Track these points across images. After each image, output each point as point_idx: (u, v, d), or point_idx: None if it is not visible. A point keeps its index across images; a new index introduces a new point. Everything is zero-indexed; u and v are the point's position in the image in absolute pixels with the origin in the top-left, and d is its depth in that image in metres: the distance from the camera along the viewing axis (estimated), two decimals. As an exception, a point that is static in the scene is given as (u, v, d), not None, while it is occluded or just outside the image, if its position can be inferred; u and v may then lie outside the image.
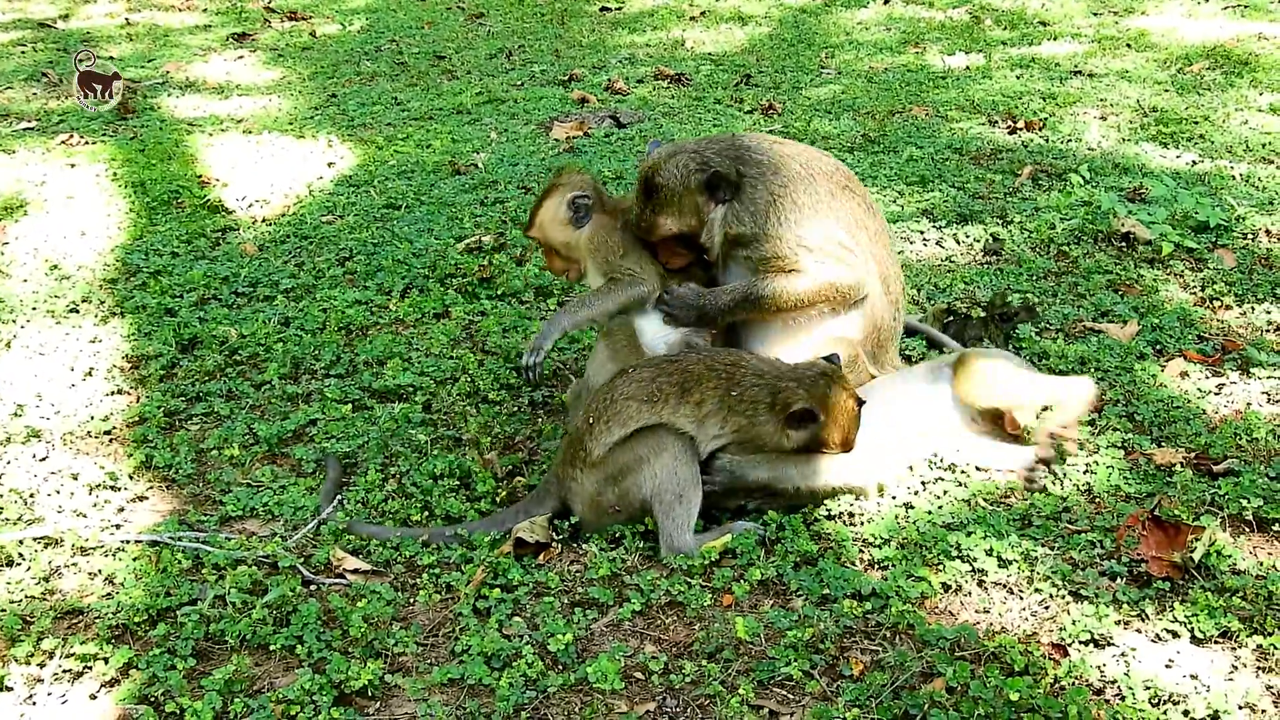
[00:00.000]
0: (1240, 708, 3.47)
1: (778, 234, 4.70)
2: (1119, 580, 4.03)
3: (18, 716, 3.61)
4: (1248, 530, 4.32)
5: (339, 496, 4.67)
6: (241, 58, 12.45)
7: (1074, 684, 3.55)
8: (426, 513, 4.57)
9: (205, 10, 15.11)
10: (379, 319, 6.21)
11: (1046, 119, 9.26)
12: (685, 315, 4.81)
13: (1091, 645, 3.74)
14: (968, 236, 7.01)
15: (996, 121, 9.27)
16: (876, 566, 4.20)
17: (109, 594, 4.15)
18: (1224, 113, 9.31)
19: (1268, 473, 4.59)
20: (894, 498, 4.55)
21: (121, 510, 4.68)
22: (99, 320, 6.25)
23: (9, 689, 3.70)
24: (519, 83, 11.09)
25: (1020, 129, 9.04)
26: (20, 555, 4.35)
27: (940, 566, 4.13)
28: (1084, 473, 4.67)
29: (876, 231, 4.94)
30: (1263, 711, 3.47)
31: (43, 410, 5.37)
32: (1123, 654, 3.69)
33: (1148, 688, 3.53)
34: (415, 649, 3.84)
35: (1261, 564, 4.10)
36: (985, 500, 4.54)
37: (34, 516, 4.60)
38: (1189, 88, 10.05)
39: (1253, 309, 6.08)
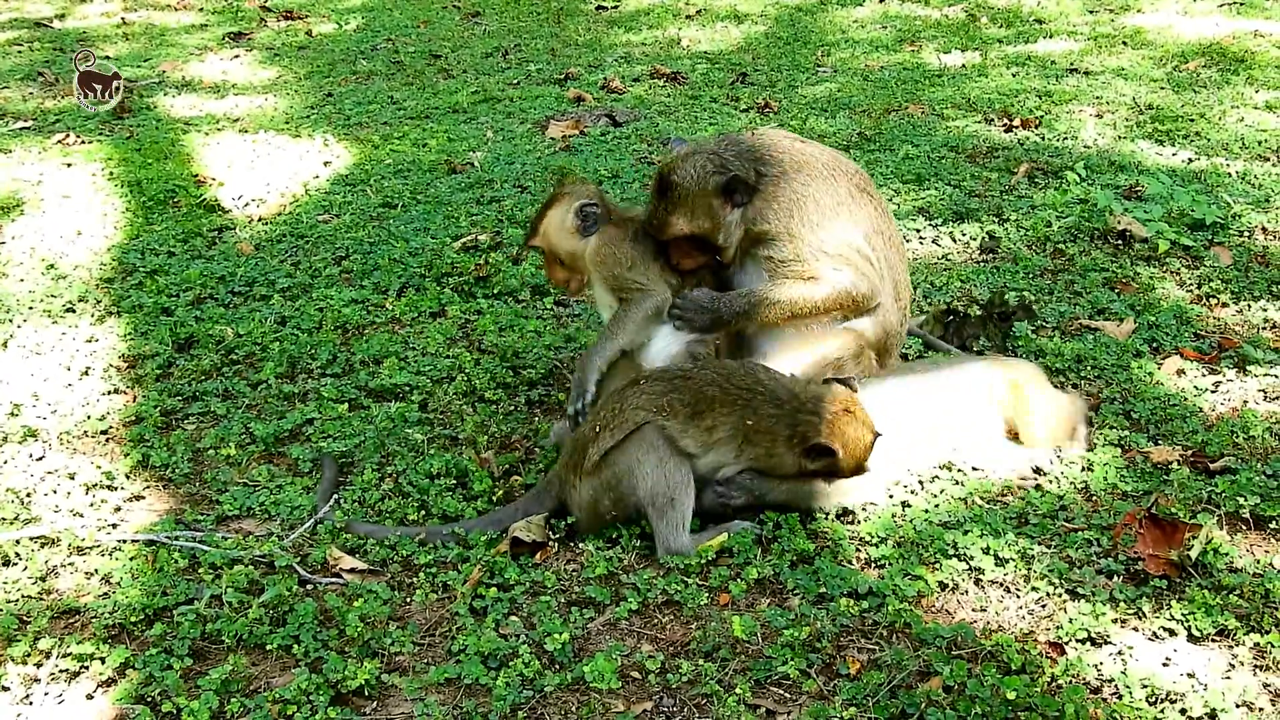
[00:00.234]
0: (1237, 706, 3.47)
1: (800, 234, 4.69)
2: (1116, 578, 4.03)
3: (14, 716, 3.60)
4: (1244, 528, 4.33)
5: (335, 496, 4.66)
6: (237, 57, 12.44)
7: (1071, 682, 3.55)
8: (423, 512, 4.57)
9: (201, 9, 15.09)
10: (375, 318, 6.21)
11: (1042, 117, 9.26)
12: (699, 319, 4.79)
13: (1088, 644, 3.75)
14: (964, 234, 7.01)
15: (992, 119, 9.27)
16: (873, 565, 4.20)
17: (105, 594, 4.14)
18: (1220, 110, 9.32)
19: (1264, 470, 4.60)
20: (891, 496, 4.55)
21: (118, 510, 4.67)
22: (95, 320, 6.24)
23: (5, 689, 3.70)
24: (515, 81, 11.09)
25: (1016, 127, 9.04)
26: (17, 555, 4.34)
27: (937, 565, 4.13)
28: (1081, 471, 4.67)
29: (891, 237, 4.94)
30: (1260, 709, 3.48)
31: (39, 410, 5.37)
32: (1120, 652, 3.69)
33: (1145, 686, 3.53)
34: (412, 648, 3.83)
35: (1259, 562, 4.10)
36: (982, 499, 4.54)
37: (30, 516, 4.59)
38: (1185, 85, 10.05)
39: (1249, 306, 6.08)
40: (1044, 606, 3.93)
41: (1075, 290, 6.28)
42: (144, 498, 4.76)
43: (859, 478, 4.40)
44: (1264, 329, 5.87)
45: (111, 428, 5.23)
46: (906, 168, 8.09)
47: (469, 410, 5.29)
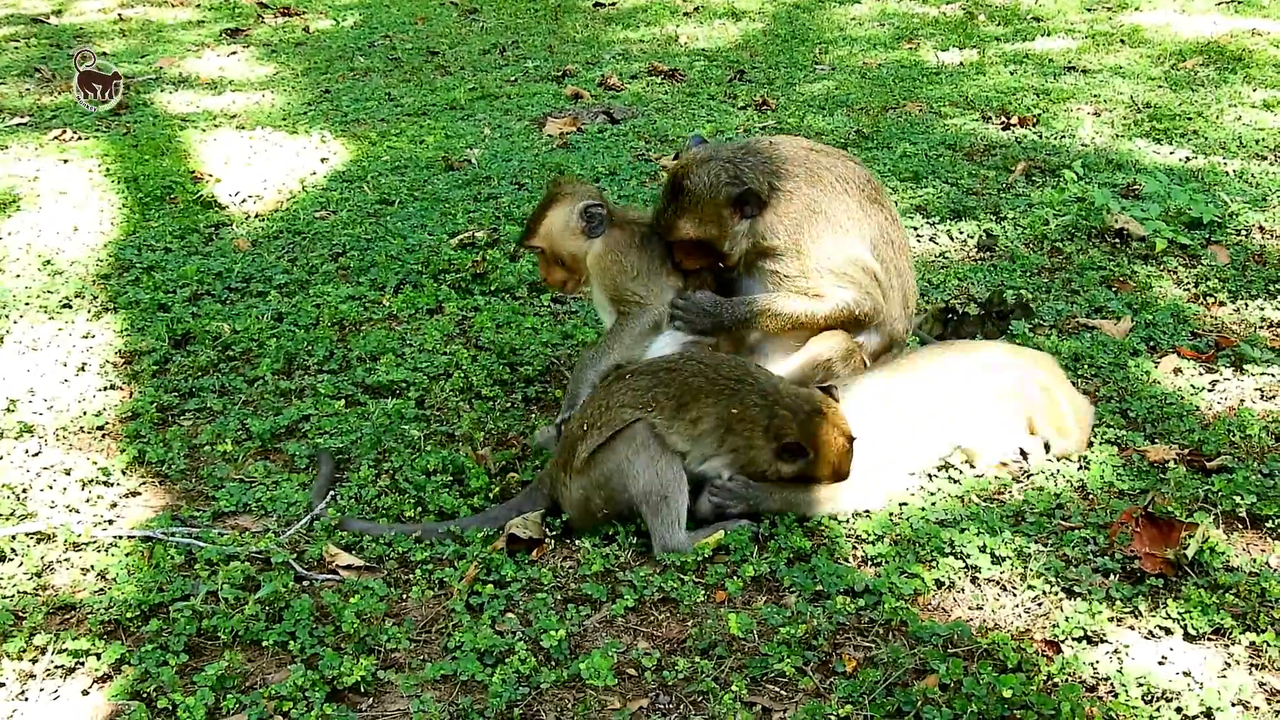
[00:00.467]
0: (1233, 705, 3.47)
1: (807, 251, 4.69)
2: (1112, 577, 4.03)
3: (10, 712, 3.60)
4: (1241, 527, 4.33)
5: (332, 492, 4.66)
6: (235, 53, 12.43)
7: (1067, 681, 3.55)
8: (420, 508, 4.56)
9: (199, 6, 15.07)
10: (372, 314, 6.20)
11: (1040, 115, 9.27)
12: (700, 322, 4.79)
13: (1084, 642, 3.74)
14: (961, 233, 7.02)
15: (990, 117, 9.27)
16: (870, 563, 4.20)
17: (101, 590, 4.13)
18: (1218, 109, 9.33)
19: (1261, 469, 4.60)
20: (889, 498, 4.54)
21: (114, 506, 4.67)
22: (92, 316, 6.24)
23: (1, 685, 3.69)
24: (512, 78, 11.08)
25: (1014, 125, 9.05)
26: (13, 550, 4.34)
27: (933, 563, 4.13)
28: (1078, 469, 4.67)
29: (900, 244, 4.94)
30: (1256, 708, 3.48)
31: (35, 405, 5.36)
32: (1116, 651, 3.69)
33: (1141, 685, 3.53)
34: (408, 645, 3.83)
35: (1254, 561, 4.11)
36: (978, 497, 4.54)
37: (26, 512, 4.58)
38: (1183, 84, 10.06)
39: (1246, 305, 6.09)
40: (1040, 605, 3.93)
41: (1073, 289, 6.28)
42: (140, 493, 4.76)
43: (846, 485, 4.38)
44: (1261, 328, 5.87)
45: (108, 423, 5.22)
46: (904, 166, 8.09)
47: (466, 407, 5.29)
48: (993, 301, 5.84)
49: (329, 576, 4.19)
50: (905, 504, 4.48)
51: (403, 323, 6.13)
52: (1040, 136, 8.79)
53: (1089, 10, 13.09)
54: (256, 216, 7.65)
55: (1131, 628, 3.81)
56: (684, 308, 4.79)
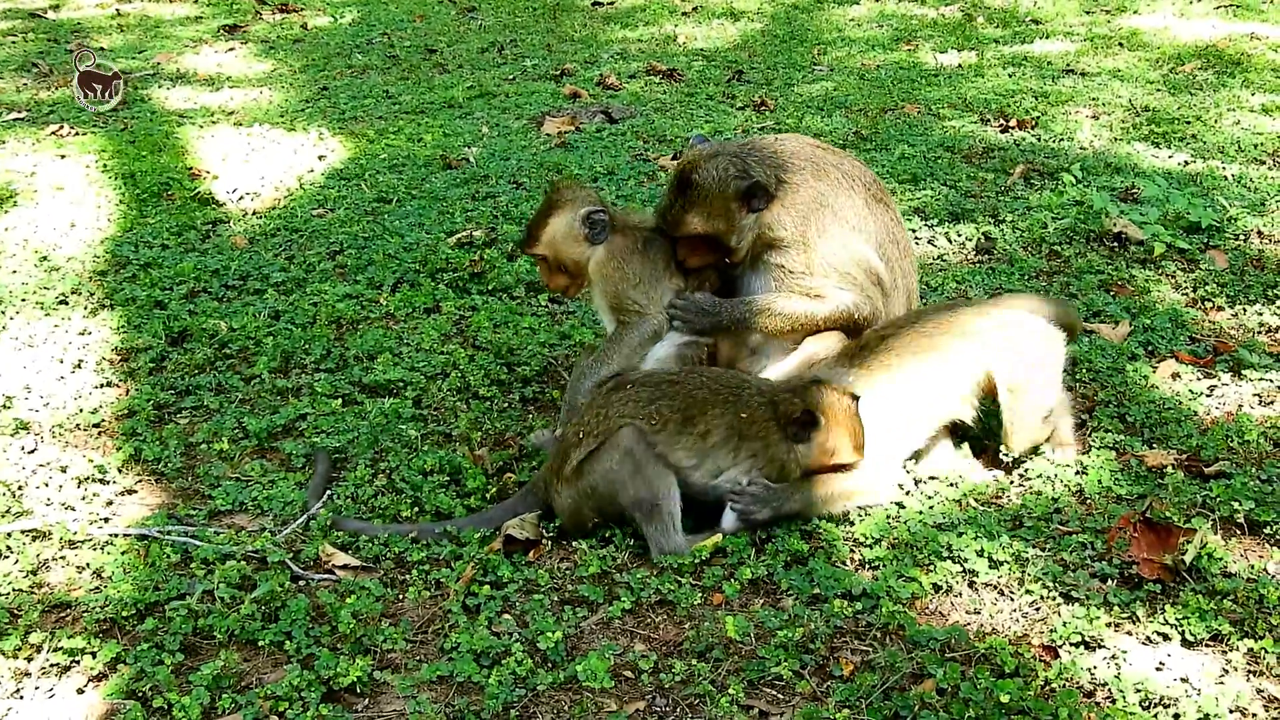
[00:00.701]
0: (1231, 711, 3.47)
1: (813, 244, 4.70)
2: (1110, 582, 4.03)
3: (4, 710, 3.59)
4: (1239, 533, 4.33)
5: (328, 491, 4.65)
6: (232, 50, 12.41)
7: (1064, 686, 3.55)
8: (416, 508, 4.55)
9: (196, 2, 15.06)
10: (369, 313, 6.19)
11: (1039, 118, 9.27)
12: (699, 321, 4.79)
13: (1082, 647, 3.74)
14: (959, 235, 7.01)
15: (989, 120, 9.27)
16: (867, 566, 4.20)
17: (97, 588, 4.12)
18: (1216, 113, 9.33)
19: (1259, 475, 4.60)
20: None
21: (110, 504, 4.65)
22: (88, 312, 6.22)
23: (-5, 683, 3.69)
24: (510, 77, 11.07)
25: (1012, 127, 9.04)
26: (8, 548, 4.32)
27: (931, 567, 4.12)
28: (1075, 474, 4.67)
29: (903, 244, 4.95)
30: (1253, 715, 3.48)
31: (31, 402, 5.35)
32: (1113, 656, 3.69)
33: (1138, 690, 3.53)
34: (404, 646, 3.82)
35: (1253, 567, 4.10)
36: (976, 501, 4.53)
37: (22, 509, 4.57)
38: (1181, 87, 10.06)
39: (1244, 310, 6.08)
40: (1038, 610, 3.93)
41: (1071, 292, 6.28)
42: (136, 492, 4.74)
43: (864, 471, 4.38)
44: (1259, 333, 5.87)
45: (104, 421, 5.21)
46: (902, 168, 8.08)
47: (463, 407, 5.28)
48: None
49: (325, 576, 4.18)
50: (903, 507, 4.48)
51: (400, 322, 6.12)
52: (1039, 139, 8.79)
53: (1087, 13, 13.10)
54: (254, 214, 7.64)
55: (1129, 633, 3.81)
56: (683, 307, 4.79)
